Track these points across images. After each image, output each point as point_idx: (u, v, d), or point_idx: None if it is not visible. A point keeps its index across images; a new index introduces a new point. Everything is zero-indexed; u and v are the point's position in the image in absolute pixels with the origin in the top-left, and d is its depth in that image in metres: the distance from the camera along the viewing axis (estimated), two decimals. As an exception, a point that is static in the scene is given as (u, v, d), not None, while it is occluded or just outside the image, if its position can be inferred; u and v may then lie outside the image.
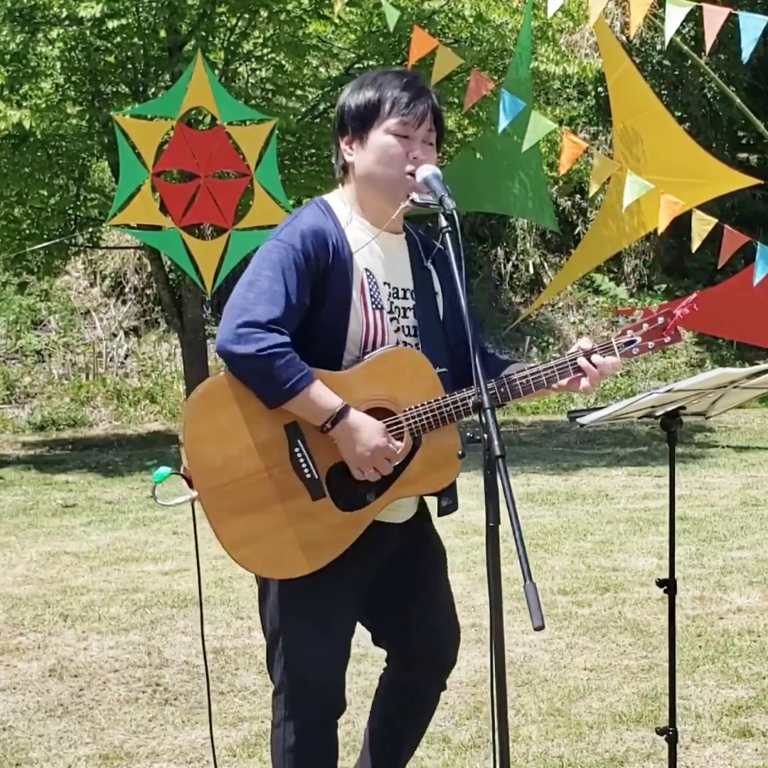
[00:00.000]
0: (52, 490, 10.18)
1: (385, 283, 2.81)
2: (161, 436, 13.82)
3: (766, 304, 5.95)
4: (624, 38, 13.20)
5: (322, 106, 12.65)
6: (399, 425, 2.73)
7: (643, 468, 10.83)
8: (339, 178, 2.88)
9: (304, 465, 2.68)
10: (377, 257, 2.81)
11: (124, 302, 17.04)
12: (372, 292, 2.77)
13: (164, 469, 2.72)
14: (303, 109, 12.81)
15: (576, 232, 18.09)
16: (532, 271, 18.31)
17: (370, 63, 12.40)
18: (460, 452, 2.67)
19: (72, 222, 13.29)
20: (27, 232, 12.97)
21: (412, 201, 2.74)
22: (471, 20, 11.78)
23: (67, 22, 10.89)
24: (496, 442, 2.34)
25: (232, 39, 12.31)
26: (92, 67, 11.73)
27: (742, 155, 18.23)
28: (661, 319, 2.88)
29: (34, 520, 8.72)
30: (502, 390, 2.78)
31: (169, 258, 11.39)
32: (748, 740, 4.05)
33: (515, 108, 5.29)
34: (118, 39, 11.30)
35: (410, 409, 2.73)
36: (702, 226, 5.44)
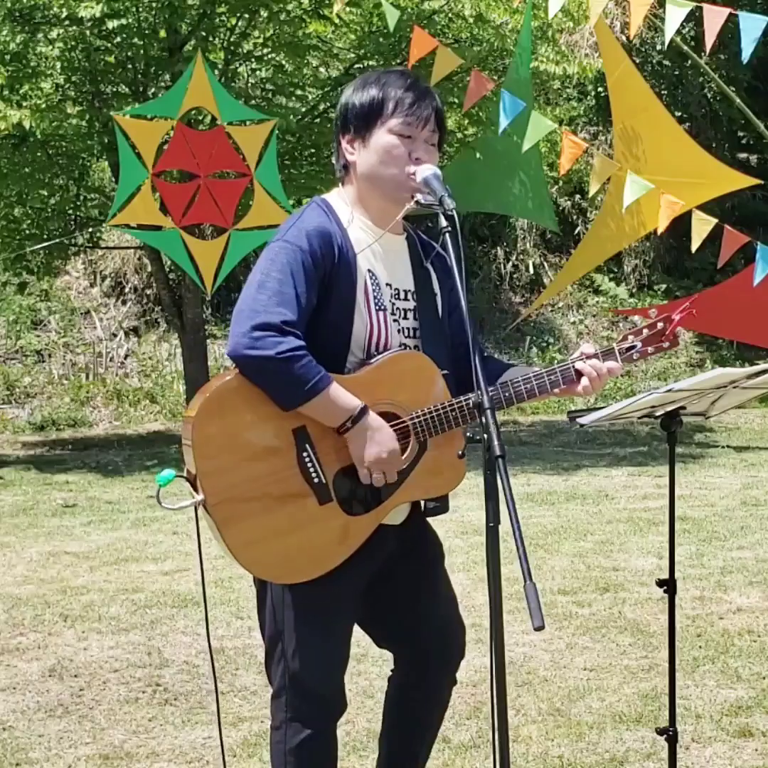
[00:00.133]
0: (52, 490, 10.18)
1: (387, 284, 2.81)
2: (161, 436, 13.81)
3: (766, 304, 5.95)
4: (624, 38, 13.19)
5: (322, 106, 12.65)
6: (405, 429, 2.73)
7: (643, 468, 10.83)
8: (339, 178, 2.87)
9: (311, 469, 2.67)
10: (379, 258, 2.81)
11: (124, 302, 17.03)
12: (375, 294, 2.77)
13: (168, 473, 2.70)
14: (303, 109, 12.81)
15: (576, 232, 18.09)
16: (532, 271, 18.31)
17: (370, 63, 12.39)
18: (460, 452, 2.67)
19: (72, 222, 13.29)
20: (27, 232, 12.96)
21: (418, 202, 2.73)
22: (471, 20, 11.79)
23: (67, 22, 10.89)
24: (496, 442, 2.34)
25: (232, 39, 12.31)
26: (92, 67, 11.73)
27: (742, 155, 18.23)
28: (660, 325, 2.89)
29: (34, 520, 8.72)
30: (506, 394, 2.79)
31: (169, 258, 11.39)
32: (748, 740, 4.05)
33: (515, 108, 5.29)
34: (118, 39, 11.30)
35: (417, 414, 2.73)
36: (702, 226, 5.45)
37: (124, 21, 10.76)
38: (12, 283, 15.33)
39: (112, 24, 10.74)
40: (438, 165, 2.79)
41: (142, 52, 11.68)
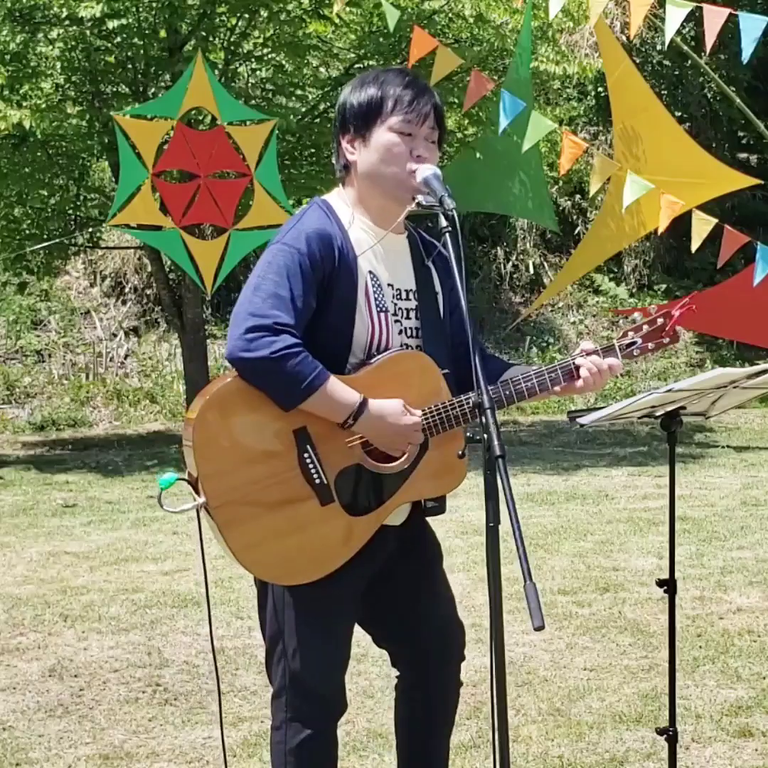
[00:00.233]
0: (52, 490, 10.18)
1: (388, 285, 2.81)
2: (161, 436, 13.81)
3: (766, 304, 5.95)
4: (624, 38, 13.19)
5: (322, 106, 12.64)
6: None
7: (643, 468, 10.82)
8: (340, 178, 2.86)
9: (313, 470, 2.67)
10: (380, 259, 2.80)
11: (124, 302, 17.03)
12: (376, 295, 2.77)
13: (170, 475, 2.70)
14: (303, 109, 12.81)
15: (576, 232, 18.08)
16: (532, 271, 18.31)
17: (370, 63, 12.39)
18: (460, 452, 2.66)
19: (72, 222, 13.29)
20: (27, 232, 12.96)
21: (419, 204, 2.73)
22: (471, 20, 11.78)
23: (67, 22, 10.89)
24: (496, 442, 2.34)
25: (232, 39, 12.31)
26: (92, 67, 11.73)
27: (742, 155, 18.22)
28: (660, 321, 2.89)
29: (34, 520, 8.72)
30: (507, 393, 2.78)
31: (169, 258, 11.39)
32: (748, 740, 4.05)
33: (515, 108, 5.29)
34: (118, 39, 11.30)
35: (418, 413, 2.73)
36: (702, 226, 5.45)
37: (124, 21, 10.76)
38: (12, 283, 15.32)
39: (112, 24, 10.74)
40: (438, 165, 2.79)
41: (142, 52, 11.68)
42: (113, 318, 16.83)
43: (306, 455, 2.67)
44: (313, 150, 12.77)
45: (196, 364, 12.77)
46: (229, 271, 10.35)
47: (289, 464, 2.67)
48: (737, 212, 17.16)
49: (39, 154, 12.02)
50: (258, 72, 13.27)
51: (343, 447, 2.69)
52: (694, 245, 5.44)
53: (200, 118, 11.61)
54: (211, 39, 12.15)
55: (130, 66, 12.02)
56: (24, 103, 10.89)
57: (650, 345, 2.89)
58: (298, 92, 12.98)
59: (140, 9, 11.10)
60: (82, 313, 16.80)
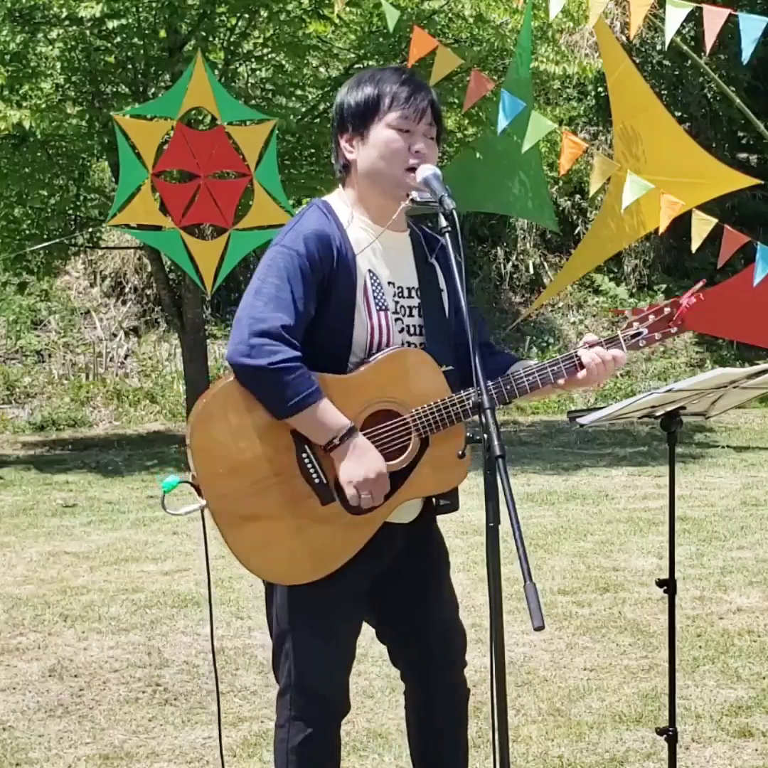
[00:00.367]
0: (52, 490, 10.18)
1: (389, 283, 2.80)
2: (161, 436, 13.81)
3: (766, 304, 5.95)
4: (624, 38, 13.19)
5: (322, 106, 12.64)
6: (406, 426, 2.73)
7: (643, 468, 10.82)
8: (339, 178, 2.87)
9: (311, 470, 2.68)
10: (380, 257, 2.80)
11: (124, 302, 17.03)
12: (375, 294, 2.77)
13: (173, 478, 2.71)
14: (303, 109, 12.81)
15: (576, 232, 18.08)
16: (532, 271, 18.31)
17: (370, 63, 12.38)
18: (460, 452, 2.66)
19: (72, 222, 13.29)
20: (27, 232, 12.96)
21: (413, 200, 2.73)
22: (471, 20, 11.78)
23: (67, 22, 10.89)
24: (496, 442, 2.34)
25: (232, 39, 12.31)
26: (92, 67, 11.73)
27: (742, 155, 18.22)
28: (667, 310, 2.87)
29: (34, 520, 8.72)
30: (507, 387, 2.77)
31: (169, 258, 11.39)
32: (748, 740, 4.05)
33: (515, 108, 5.28)
34: (118, 39, 11.30)
35: (417, 410, 2.73)
36: (702, 226, 5.44)
37: (124, 21, 10.76)
38: (12, 283, 15.32)
39: (112, 24, 10.74)
40: (438, 164, 2.79)
41: (142, 52, 11.68)
42: (113, 318, 16.83)
43: (304, 455, 2.68)
44: (313, 150, 12.77)
45: (196, 364, 12.77)
46: (229, 272, 10.35)
47: (288, 464, 2.68)
48: (737, 212, 17.16)
49: (39, 154, 12.02)
50: (258, 72, 13.27)
51: None
52: (694, 245, 5.44)
53: (200, 118, 11.61)
54: (211, 39, 12.15)
55: (130, 66, 12.02)
56: (24, 103, 10.89)
57: (657, 335, 2.86)
58: (298, 92, 12.99)
59: (140, 9, 11.10)
60: (82, 313, 16.80)
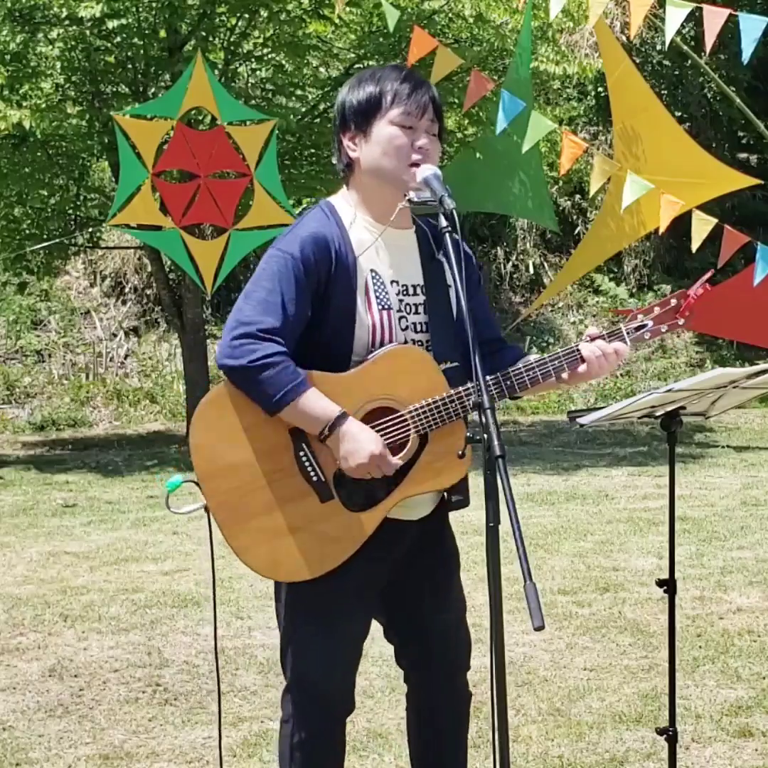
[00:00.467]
0: (52, 490, 10.18)
1: (393, 282, 2.80)
2: (161, 436, 13.81)
3: (766, 304, 5.95)
4: (624, 38, 13.19)
5: (322, 106, 12.65)
6: (405, 423, 2.72)
7: (643, 468, 10.83)
8: (342, 178, 2.86)
9: (309, 468, 2.69)
10: (384, 256, 2.80)
11: (124, 302, 17.04)
12: (378, 294, 2.76)
13: (176, 478, 2.73)
14: (303, 109, 12.81)
15: (576, 232, 18.09)
16: (532, 271, 18.31)
17: (370, 63, 12.38)
18: (460, 452, 2.65)
19: (72, 222, 13.29)
20: (27, 232, 12.97)
21: (410, 201, 2.73)
22: (471, 20, 11.78)
23: (67, 22, 10.90)
24: (496, 442, 2.34)
25: (232, 39, 12.31)
26: (92, 67, 11.74)
27: (742, 155, 18.22)
28: (674, 301, 2.87)
29: (34, 520, 8.72)
30: (507, 383, 2.76)
31: (169, 258, 11.39)
32: (748, 740, 4.05)
33: (515, 108, 5.28)
34: (118, 39, 11.31)
35: (415, 407, 2.73)
36: (702, 226, 5.44)
37: (124, 21, 10.76)
38: (12, 283, 15.33)
39: (112, 24, 10.74)
40: (438, 165, 2.79)
41: (142, 52, 11.68)
42: (113, 318, 16.83)
43: (302, 453, 2.68)
44: (313, 150, 12.78)
45: (196, 364, 12.77)
46: (229, 271, 10.35)
47: (287, 463, 2.69)
48: (737, 212, 17.16)
49: (39, 154, 12.02)
50: (258, 72, 13.27)
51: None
52: (694, 245, 5.44)
53: (200, 118, 11.61)
54: (211, 39, 12.16)
55: (130, 66, 12.03)
56: (24, 103, 10.90)
57: (663, 327, 2.85)
58: (298, 92, 12.99)
59: (140, 9, 11.10)
60: (82, 313, 16.80)
